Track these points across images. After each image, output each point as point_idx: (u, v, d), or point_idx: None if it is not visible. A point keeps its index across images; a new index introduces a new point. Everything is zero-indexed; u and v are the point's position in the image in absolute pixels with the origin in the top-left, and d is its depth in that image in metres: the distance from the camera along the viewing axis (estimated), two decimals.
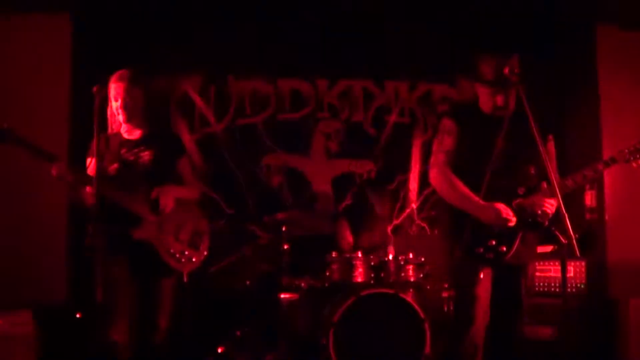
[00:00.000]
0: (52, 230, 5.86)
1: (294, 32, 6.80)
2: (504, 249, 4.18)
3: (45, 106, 5.94)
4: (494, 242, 4.19)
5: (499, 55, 4.15)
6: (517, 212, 4.18)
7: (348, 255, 5.76)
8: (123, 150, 4.53)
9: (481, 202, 4.11)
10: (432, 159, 4.46)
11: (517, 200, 4.20)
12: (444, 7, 6.37)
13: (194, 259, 4.64)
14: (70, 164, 4.17)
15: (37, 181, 5.26)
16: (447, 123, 4.44)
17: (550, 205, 4.12)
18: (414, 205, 7.10)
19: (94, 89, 3.98)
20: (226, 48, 6.74)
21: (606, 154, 5.10)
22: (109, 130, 4.60)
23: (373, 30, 6.78)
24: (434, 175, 4.41)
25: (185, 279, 4.58)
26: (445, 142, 4.40)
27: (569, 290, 5.76)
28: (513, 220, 4.15)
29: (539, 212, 4.14)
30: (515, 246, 4.20)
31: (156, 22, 6.50)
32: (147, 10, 6.40)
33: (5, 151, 4.10)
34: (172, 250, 4.51)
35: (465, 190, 4.23)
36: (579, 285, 5.78)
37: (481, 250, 4.20)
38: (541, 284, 5.94)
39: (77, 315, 5.49)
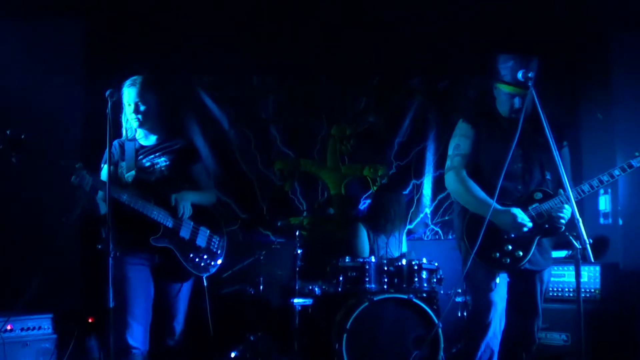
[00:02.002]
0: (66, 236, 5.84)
1: (310, 35, 6.80)
2: (521, 254, 4.17)
3: (59, 111, 5.95)
4: (510, 247, 4.19)
5: (519, 58, 4.15)
6: (533, 217, 4.17)
7: (361, 260, 5.75)
8: (139, 157, 4.55)
9: (497, 206, 4.10)
10: (448, 163, 4.45)
11: (533, 205, 4.19)
12: (463, 8, 6.33)
13: (212, 264, 4.66)
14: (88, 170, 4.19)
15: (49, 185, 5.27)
16: (464, 126, 4.44)
17: (566, 211, 4.11)
18: (427, 210, 7.10)
19: (107, 92, 3.98)
20: (240, 52, 6.75)
21: (620, 160, 5.09)
22: (124, 137, 4.62)
23: (390, 33, 6.76)
24: (449, 179, 4.40)
25: (204, 284, 4.60)
26: (461, 145, 4.39)
27: (583, 295, 5.74)
28: (529, 226, 4.14)
29: (556, 217, 4.13)
30: (532, 251, 4.19)
31: (171, 25, 6.50)
32: (162, 14, 6.40)
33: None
34: (191, 255, 4.52)
35: (481, 194, 4.22)
36: (593, 290, 5.77)
37: (497, 255, 4.19)
38: (555, 289, 5.92)
39: (89, 320, 5.49)
